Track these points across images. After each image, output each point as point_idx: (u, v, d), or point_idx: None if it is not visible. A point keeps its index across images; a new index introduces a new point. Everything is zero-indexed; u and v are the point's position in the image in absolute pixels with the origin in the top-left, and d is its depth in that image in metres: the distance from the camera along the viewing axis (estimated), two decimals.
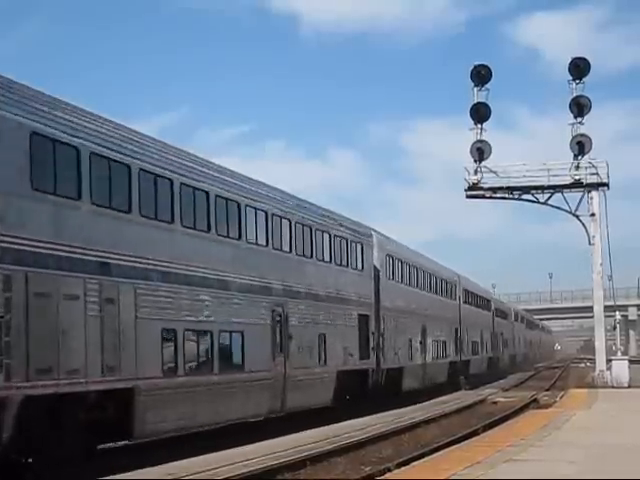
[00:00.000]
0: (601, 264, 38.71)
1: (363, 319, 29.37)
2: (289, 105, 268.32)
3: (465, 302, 52.37)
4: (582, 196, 38.73)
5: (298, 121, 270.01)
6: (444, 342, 43.65)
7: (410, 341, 36.15)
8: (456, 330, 47.57)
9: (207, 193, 19.75)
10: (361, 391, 28.69)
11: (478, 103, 38.53)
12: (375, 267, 31.32)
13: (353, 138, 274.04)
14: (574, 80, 38.09)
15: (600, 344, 39.68)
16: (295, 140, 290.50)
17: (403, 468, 14.80)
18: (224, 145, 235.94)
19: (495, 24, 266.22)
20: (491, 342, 61.95)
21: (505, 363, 71.01)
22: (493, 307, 66.51)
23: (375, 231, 32.31)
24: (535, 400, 32.62)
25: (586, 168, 38.34)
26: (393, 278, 34.25)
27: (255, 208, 22.21)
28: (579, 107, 37.85)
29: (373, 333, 30.19)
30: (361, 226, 30.70)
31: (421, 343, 38.24)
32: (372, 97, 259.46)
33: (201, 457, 16.40)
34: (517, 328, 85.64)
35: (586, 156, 38.24)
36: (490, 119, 38.85)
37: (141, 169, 17.25)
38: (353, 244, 29.11)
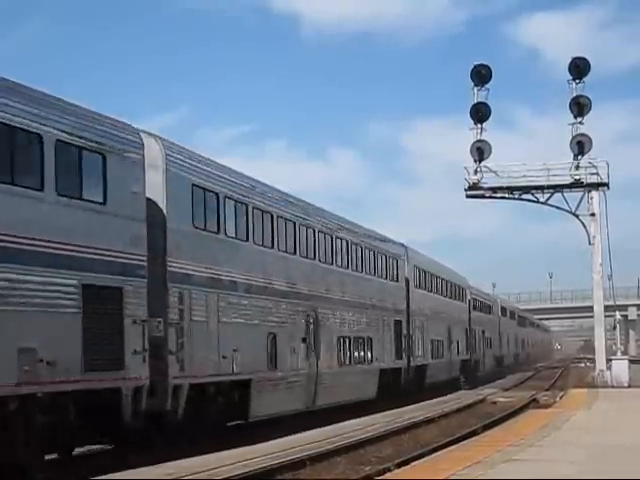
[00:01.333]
0: (601, 264, 38.74)
1: (398, 323, 34.42)
2: (290, 105, 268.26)
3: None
4: (582, 196, 38.78)
5: (299, 121, 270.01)
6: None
7: (431, 342, 40.78)
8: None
9: (271, 215, 23.10)
10: (396, 386, 33.18)
11: (478, 103, 38.54)
12: (406, 278, 36.43)
13: (354, 138, 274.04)
14: (574, 80, 38.12)
15: (600, 344, 39.70)
16: (296, 140, 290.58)
17: (403, 468, 14.80)
18: (225, 145, 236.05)
19: (496, 24, 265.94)
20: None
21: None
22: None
23: (404, 245, 37.52)
24: (535, 400, 32.64)
25: (586, 168, 38.37)
26: (419, 287, 39.50)
27: (324, 232, 26.91)
28: (579, 107, 37.87)
29: (405, 336, 35.05)
30: (395, 242, 36.00)
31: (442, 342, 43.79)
32: (373, 97, 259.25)
33: (201, 457, 16.39)
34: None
35: (586, 156, 38.27)
36: (490, 119, 38.92)
37: (254, 207, 21.88)
38: (391, 259, 34.33)
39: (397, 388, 33.40)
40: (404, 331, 34.94)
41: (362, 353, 29.74)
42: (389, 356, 32.69)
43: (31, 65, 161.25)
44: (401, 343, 34.31)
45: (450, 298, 47.52)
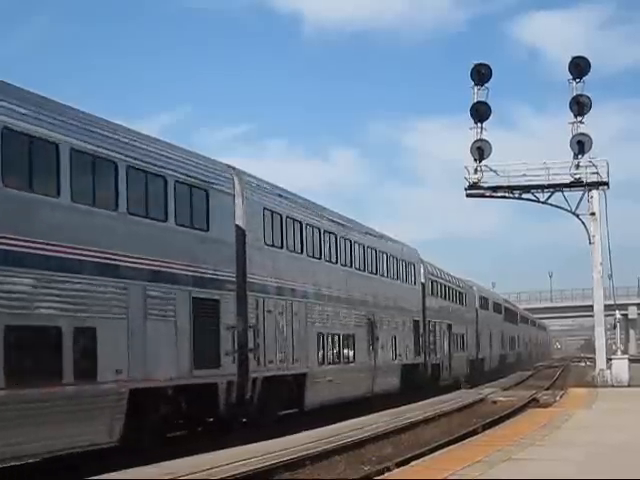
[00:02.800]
0: (601, 263, 38.71)
1: (416, 324, 37.74)
2: (290, 104, 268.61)
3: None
4: (582, 195, 38.74)
5: (299, 120, 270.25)
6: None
7: (442, 341, 43.56)
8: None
9: (336, 235, 27.89)
10: (414, 381, 36.27)
11: (478, 102, 38.50)
12: (422, 283, 40.03)
13: (354, 137, 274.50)
14: (574, 79, 38.08)
15: (600, 343, 39.67)
16: (296, 139, 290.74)
17: (403, 467, 14.80)
18: (225, 144, 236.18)
19: (496, 23, 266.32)
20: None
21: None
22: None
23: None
24: (535, 399, 32.64)
25: (586, 167, 38.32)
26: (432, 292, 42.57)
27: (372, 248, 31.95)
28: (579, 106, 37.83)
29: (422, 335, 38.53)
30: (412, 249, 39.37)
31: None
32: (373, 96, 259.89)
33: (201, 456, 16.38)
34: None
35: (586, 155, 38.23)
36: (490, 118, 38.87)
37: (325, 230, 26.82)
38: (410, 265, 37.97)
39: (415, 383, 36.50)
40: (421, 331, 38.55)
41: (398, 350, 34.42)
42: (410, 353, 36.62)
43: (32, 65, 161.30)
44: (419, 341, 38.11)
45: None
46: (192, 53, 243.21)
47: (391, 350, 33.56)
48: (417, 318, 38.07)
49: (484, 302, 60.88)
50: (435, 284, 43.04)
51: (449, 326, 44.85)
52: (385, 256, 34.04)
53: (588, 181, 38.22)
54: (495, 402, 32.52)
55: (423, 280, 40.17)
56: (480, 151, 38.53)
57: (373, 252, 32.36)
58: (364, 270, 31.15)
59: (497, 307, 68.47)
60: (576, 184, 38.49)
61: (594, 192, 38.37)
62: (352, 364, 28.63)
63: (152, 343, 16.85)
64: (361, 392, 29.40)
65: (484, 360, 57.46)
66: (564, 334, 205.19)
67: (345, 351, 28.24)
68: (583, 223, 38.62)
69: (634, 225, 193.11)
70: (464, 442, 18.16)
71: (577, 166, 38.34)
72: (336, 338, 27.34)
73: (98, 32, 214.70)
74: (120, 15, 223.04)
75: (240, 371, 20.13)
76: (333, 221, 28.05)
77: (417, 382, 36.65)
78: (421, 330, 38.44)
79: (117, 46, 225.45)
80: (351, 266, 29.57)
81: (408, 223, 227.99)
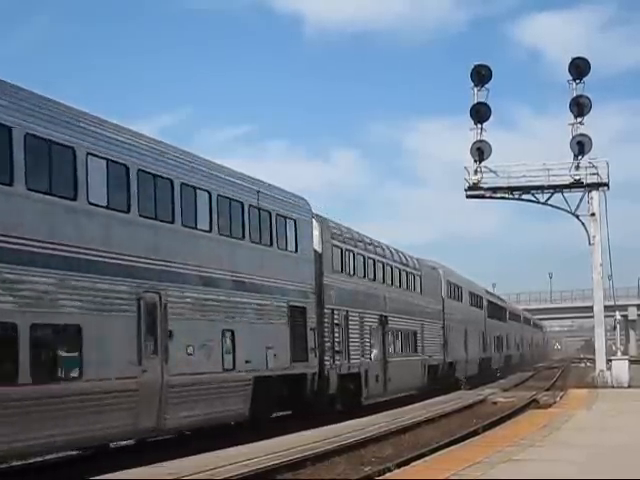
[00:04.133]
0: (601, 264, 38.72)
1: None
2: (291, 105, 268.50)
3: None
4: (582, 196, 38.77)
5: (300, 121, 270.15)
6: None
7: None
8: None
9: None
10: (435, 378, 40.26)
11: (478, 103, 38.52)
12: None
13: (355, 138, 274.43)
14: (574, 80, 38.11)
15: (600, 344, 39.67)
16: (297, 140, 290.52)
17: (403, 468, 14.79)
18: (226, 145, 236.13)
19: (497, 24, 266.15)
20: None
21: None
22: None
23: (437, 264, 46.09)
24: (535, 400, 32.64)
25: (586, 168, 38.34)
26: (450, 297, 46.59)
27: (414, 272, 39.21)
28: (579, 107, 37.85)
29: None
30: (434, 263, 44.97)
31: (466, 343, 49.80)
32: (374, 96, 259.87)
33: (201, 457, 16.38)
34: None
35: (586, 156, 38.24)
36: (491, 119, 38.89)
37: (383, 263, 34.05)
38: (433, 278, 42.98)
39: (435, 380, 40.26)
40: (441, 333, 43.05)
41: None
42: (434, 352, 41.28)
43: (32, 65, 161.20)
44: (440, 342, 43.09)
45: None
46: (193, 53, 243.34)
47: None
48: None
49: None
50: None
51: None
52: (426, 280, 40.39)
53: (588, 182, 38.23)
54: (495, 403, 32.53)
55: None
56: (480, 152, 38.55)
57: (418, 277, 39.65)
58: (415, 291, 39.26)
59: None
60: (576, 185, 38.51)
61: (594, 193, 38.39)
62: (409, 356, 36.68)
63: (268, 341, 22.18)
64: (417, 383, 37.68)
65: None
66: (564, 335, 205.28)
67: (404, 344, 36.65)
68: (583, 224, 38.66)
69: (634, 226, 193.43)
70: (464, 443, 18.17)
71: (577, 167, 38.36)
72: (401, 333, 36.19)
73: (98, 32, 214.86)
74: (121, 15, 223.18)
75: (320, 366, 25.48)
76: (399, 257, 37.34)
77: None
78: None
79: (118, 46, 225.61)
80: (413, 290, 39.13)
81: (409, 224, 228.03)
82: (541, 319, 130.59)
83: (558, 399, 31.23)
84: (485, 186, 39.24)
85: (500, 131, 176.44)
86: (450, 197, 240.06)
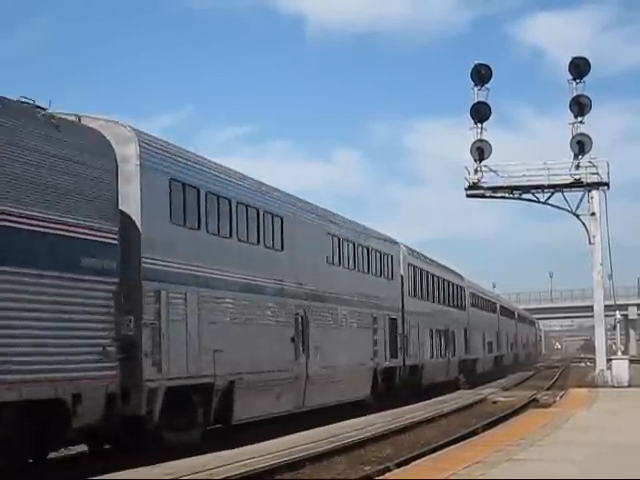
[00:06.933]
0: (601, 263, 38.71)
1: (462, 331, 48.74)
2: (293, 105, 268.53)
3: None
4: (582, 195, 38.78)
5: (302, 121, 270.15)
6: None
7: (477, 343, 53.40)
8: None
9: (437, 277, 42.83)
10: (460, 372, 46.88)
11: (478, 102, 38.52)
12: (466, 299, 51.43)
13: (356, 138, 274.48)
14: (574, 80, 38.14)
15: (600, 343, 39.68)
16: (299, 140, 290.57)
17: (403, 468, 14.76)
18: (227, 145, 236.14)
19: (499, 24, 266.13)
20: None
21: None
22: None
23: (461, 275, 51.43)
24: (535, 399, 32.62)
25: (586, 167, 38.35)
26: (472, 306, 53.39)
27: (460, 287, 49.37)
28: (579, 106, 37.86)
29: (465, 339, 49.13)
30: (460, 275, 50.61)
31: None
32: (376, 97, 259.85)
33: (201, 457, 16.35)
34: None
35: (586, 155, 38.26)
36: (491, 118, 38.92)
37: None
38: (460, 289, 49.25)
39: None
40: (465, 336, 49.16)
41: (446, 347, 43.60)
42: (461, 349, 47.74)
43: (33, 65, 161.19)
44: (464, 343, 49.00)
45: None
46: (194, 53, 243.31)
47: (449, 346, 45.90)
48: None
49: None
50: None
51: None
52: (451, 284, 48.18)
53: (588, 181, 38.24)
54: (495, 402, 32.51)
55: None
56: (480, 151, 38.55)
57: (453, 288, 48.33)
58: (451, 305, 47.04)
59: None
60: (576, 184, 38.51)
61: (594, 192, 38.39)
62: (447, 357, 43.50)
63: (379, 341, 30.27)
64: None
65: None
66: (564, 334, 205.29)
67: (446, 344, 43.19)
68: (583, 223, 38.65)
69: (634, 225, 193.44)
70: (464, 442, 18.13)
71: (577, 166, 38.37)
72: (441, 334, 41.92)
73: (100, 32, 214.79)
74: (122, 15, 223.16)
75: (402, 361, 33.18)
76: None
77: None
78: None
79: (119, 46, 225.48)
80: (450, 305, 46.17)
81: (409, 223, 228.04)
82: (541, 318, 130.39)
83: (558, 398, 31.21)
84: (485, 185, 39.26)
85: (500, 130, 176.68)
86: (451, 197, 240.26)
